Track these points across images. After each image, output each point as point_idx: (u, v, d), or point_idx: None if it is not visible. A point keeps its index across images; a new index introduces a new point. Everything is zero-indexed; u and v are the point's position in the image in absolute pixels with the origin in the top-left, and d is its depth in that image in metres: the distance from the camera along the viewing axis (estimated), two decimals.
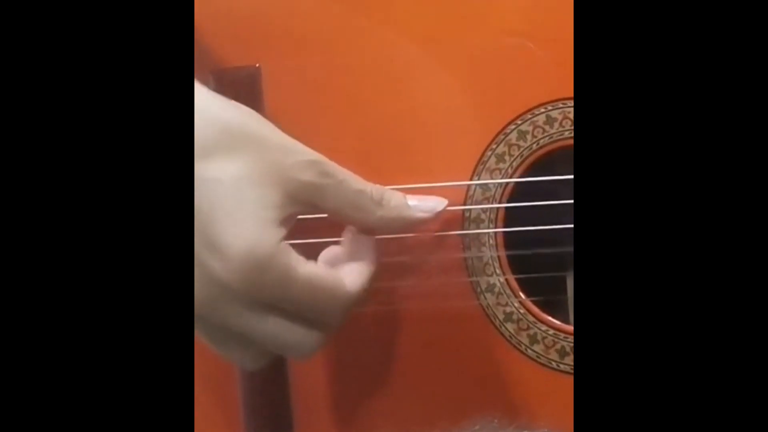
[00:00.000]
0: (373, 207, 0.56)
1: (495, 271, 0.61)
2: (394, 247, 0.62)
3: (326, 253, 0.57)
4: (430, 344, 0.62)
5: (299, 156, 0.53)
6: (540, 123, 0.60)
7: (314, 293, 0.53)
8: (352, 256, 0.56)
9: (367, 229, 0.57)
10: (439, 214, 0.59)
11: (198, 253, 0.51)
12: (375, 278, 0.57)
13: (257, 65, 0.63)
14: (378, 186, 0.56)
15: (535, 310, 0.62)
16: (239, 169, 0.51)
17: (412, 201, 0.58)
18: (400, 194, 0.57)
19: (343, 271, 0.55)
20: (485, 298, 0.62)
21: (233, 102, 0.53)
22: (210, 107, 0.52)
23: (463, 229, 0.61)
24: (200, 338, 0.55)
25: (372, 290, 0.57)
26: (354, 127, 0.62)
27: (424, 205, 0.58)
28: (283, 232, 0.52)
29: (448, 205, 0.60)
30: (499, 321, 0.62)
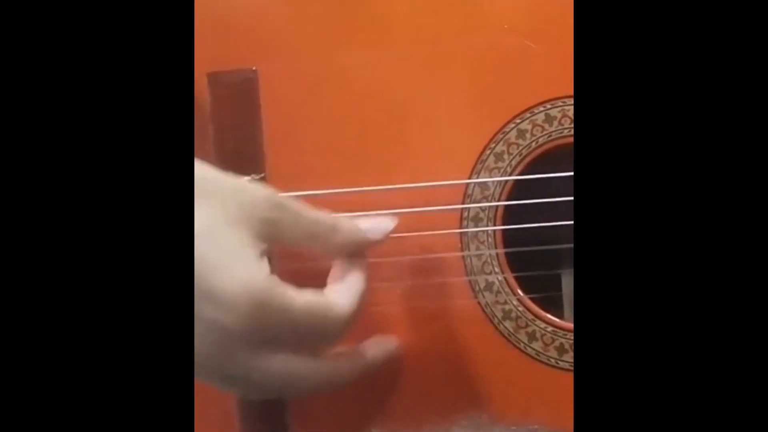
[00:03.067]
0: (328, 235, 0.57)
1: (494, 270, 0.62)
2: (392, 247, 0.62)
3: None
4: (429, 343, 0.63)
5: (253, 194, 0.54)
6: (539, 121, 0.61)
7: (312, 319, 0.54)
8: (343, 275, 0.58)
9: (326, 255, 0.59)
10: (389, 234, 0.59)
11: (196, 309, 0.51)
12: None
13: (254, 68, 0.63)
14: (330, 214, 0.58)
15: (534, 307, 0.62)
16: (209, 215, 0.52)
17: (364, 224, 0.59)
18: (350, 221, 0.59)
19: (332, 292, 0.57)
20: (484, 297, 0.62)
21: None
22: None
23: (461, 228, 0.62)
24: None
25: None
26: (352, 128, 0.63)
27: (375, 228, 0.59)
28: (267, 265, 0.53)
29: (446, 203, 0.61)
30: (498, 319, 0.62)
